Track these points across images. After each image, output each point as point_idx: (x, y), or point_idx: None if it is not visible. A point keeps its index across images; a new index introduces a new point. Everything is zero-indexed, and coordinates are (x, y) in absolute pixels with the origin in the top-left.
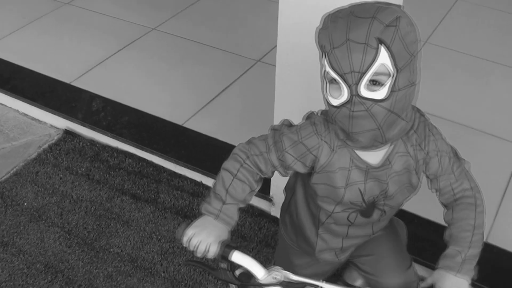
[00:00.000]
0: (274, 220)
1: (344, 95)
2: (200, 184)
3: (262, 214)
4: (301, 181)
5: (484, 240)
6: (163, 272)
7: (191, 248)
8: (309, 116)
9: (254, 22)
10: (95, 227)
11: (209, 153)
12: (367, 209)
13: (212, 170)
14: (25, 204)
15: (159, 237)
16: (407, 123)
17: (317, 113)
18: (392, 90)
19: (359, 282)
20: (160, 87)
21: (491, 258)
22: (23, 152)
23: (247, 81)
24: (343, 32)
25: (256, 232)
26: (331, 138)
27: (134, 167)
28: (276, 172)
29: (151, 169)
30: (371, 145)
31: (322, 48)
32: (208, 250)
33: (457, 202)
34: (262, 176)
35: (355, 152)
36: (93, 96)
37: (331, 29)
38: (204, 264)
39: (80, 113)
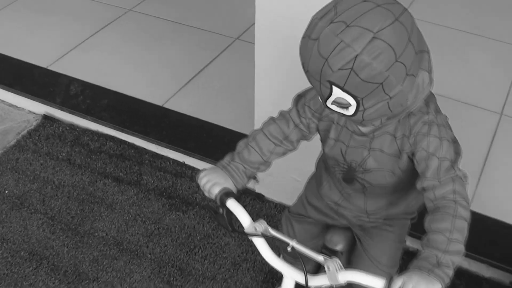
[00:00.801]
0: (258, 197)
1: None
2: (182, 164)
3: (247, 191)
4: None
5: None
6: (150, 254)
7: (201, 186)
8: None
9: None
10: (78, 211)
11: (191, 133)
12: (348, 173)
13: (195, 150)
14: (6, 192)
15: (143, 219)
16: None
17: None
18: (358, 110)
19: (339, 246)
20: (139, 68)
21: (473, 224)
22: (2, 140)
23: (226, 59)
24: (306, 61)
25: None
26: None
27: (116, 150)
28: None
29: (132, 151)
30: None
31: None
32: (210, 191)
33: (436, 211)
34: (287, 147)
35: None
36: (71, 80)
37: (303, 46)
38: (212, 209)
39: (58, 98)
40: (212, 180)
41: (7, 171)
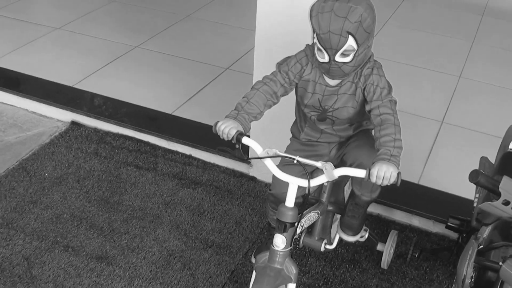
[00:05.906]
0: (252, 178)
1: (326, 58)
2: (190, 156)
3: (243, 175)
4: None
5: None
6: (168, 216)
7: (220, 132)
8: (304, 49)
9: (217, 40)
10: (107, 188)
11: (195, 132)
12: (321, 114)
13: (200, 143)
14: (46, 174)
15: (161, 193)
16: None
17: (307, 46)
18: (355, 56)
19: None
20: (147, 90)
21: (424, 194)
22: (37, 139)
23: (218, 84)
24: (327, 25)
25: (238, 187)
26: (313, 60)
27: (134, 147)
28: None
29: (148, 147)
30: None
31: (313, 29)
32: (229, 132)
33: (382, 123)
34: (274, 100)
35: (323, 74)
36: (94, 95)
37: (320, 18)
38: (228, 148)
39: (85, 107)
40: (229, 126)
41: (45, 160)
